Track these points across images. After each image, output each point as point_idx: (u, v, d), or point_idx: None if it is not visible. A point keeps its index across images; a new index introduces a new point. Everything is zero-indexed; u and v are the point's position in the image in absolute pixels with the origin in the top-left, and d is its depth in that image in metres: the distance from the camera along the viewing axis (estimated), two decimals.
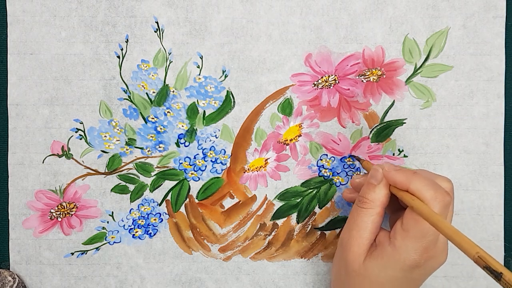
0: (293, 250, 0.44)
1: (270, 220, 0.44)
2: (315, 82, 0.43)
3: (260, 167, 0.43)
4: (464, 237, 0.29)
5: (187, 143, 0.43)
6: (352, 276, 0.35)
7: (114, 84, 0.43)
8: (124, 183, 0.43)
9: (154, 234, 0.43)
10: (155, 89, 0.43)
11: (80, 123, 0.43)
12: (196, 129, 0.43)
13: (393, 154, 0.43)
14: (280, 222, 0.44)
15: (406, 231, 0.33)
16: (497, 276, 0.26)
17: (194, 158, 0.43)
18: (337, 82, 0.43)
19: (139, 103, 0.43)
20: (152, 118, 0.43)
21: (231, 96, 0.43)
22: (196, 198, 0.43)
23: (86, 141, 0.43)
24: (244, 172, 0.43)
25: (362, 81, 0.43)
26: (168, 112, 0.43)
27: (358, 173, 0.43)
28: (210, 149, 0.43)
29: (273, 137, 0.43)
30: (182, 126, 0.43)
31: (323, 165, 0.43)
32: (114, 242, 0.43)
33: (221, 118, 0.43)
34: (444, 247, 0.35)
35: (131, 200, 0.43)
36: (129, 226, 0.43)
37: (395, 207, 0.38)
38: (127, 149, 0.43)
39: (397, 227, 0.34)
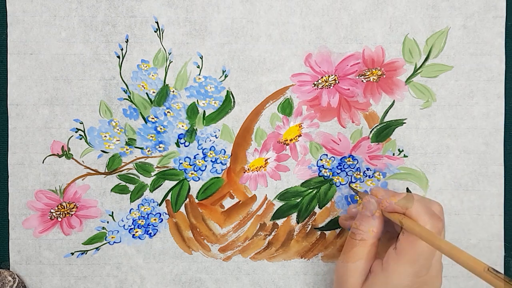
0: (293, 250, 0.44)
1: (270, 220, 0.44)
2: (315, 82, 0.43)
3: (260, 167, 0.43)
4: (468, 255, 0.30)
5: (187, 143, 0.43)
6: None
7: (114, 84, 0.43)
8: (124, 183, 0.43)
9: (154, 234, 0.43)
10: (155, 89, 0.43)
11: (80, 123, 0.43)
12: (196, 129, 0.43)
13: (393, 154, 0.43)
14: (280, 222, 0.44)
15: (399, 255, 0.34)
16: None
17: (194, 158, 0.43)
18: (337, 82, 0.43)
19: (139, 103, 0.43)
20: (152, 118, 0.43)
21: (231, 96, 0.43)
22: (196, 198, 0.43)
23: (86, 141, 0.43)
24: (244, 172, 0.43)
25: (362, 81, 0.43)
26: (168, 112, 0.43)
27: (359, 173, 0.43)
28: (210, 149, 0.43)
29: (273, 137, 0.43)
30: (182, 126, 0.43)
31: (323, 165, 0.43)
32: (114, 242, 0.43)
33: (221, 118, 0.43)
34: (438, 273, 0.35)
35: (131, 200, 0.43)
36: (129, 226, 0.43)
37: (388, 237, 0.39)
38: (127, 149, 0.43)
39: (390, 252, 0.35)
